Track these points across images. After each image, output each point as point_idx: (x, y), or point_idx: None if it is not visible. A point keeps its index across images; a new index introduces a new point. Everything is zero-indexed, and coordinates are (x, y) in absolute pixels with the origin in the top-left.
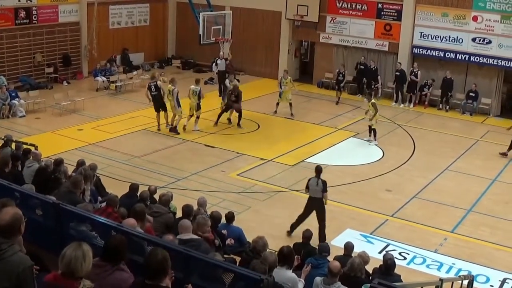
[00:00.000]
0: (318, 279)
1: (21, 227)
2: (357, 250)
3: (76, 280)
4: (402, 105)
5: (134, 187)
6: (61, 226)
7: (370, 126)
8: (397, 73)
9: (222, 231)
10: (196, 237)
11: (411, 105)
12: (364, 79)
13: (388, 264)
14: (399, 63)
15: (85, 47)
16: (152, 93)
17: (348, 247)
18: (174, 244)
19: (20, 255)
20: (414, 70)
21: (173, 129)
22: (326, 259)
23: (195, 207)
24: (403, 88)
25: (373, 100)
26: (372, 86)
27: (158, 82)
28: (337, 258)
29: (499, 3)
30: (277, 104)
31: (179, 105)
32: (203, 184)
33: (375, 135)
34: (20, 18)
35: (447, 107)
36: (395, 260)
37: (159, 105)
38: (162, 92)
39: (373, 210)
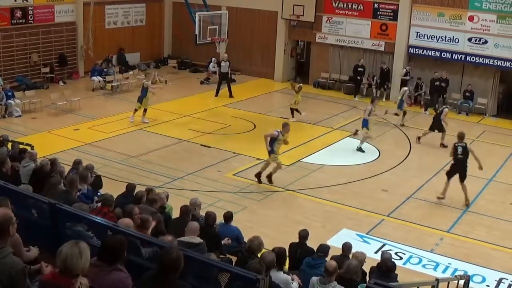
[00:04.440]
0: (314, 279)
1: (10, 228)
2: (353, 250)
3: (73, 277)
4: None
5: (130, 187)
6: (57, 226)
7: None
8: (437, 83)
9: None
10: (200, 240)
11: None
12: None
13: (389, 266)
14: (435, 72)
15: (81, 47)
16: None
17: (346, 247)
18: (168, 243)
19: (12, 257)
20: (407, 69)
21: (259, 176)
22: (323, 259)
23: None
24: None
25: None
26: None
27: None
28: (334, 258)
29: (495, 3)
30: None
31: (273, 150)
32: (199, 184)
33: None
34: (16, 18)
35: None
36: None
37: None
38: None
39: (369, 210)
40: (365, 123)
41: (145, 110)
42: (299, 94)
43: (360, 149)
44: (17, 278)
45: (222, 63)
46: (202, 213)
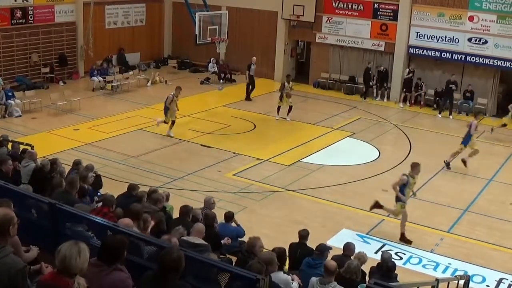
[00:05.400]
0: (313, 279)
1: (11, 228)
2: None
3: (70, 277)
4: (401, 104)
5: (131, 187)
6: (57, 226)
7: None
8: (452, 86)
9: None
10: (204, 242)
11: (404, 104)
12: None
13: (389, 266)
14: (453, 74)
15: (81, 47)
16: None
17: (349, 248)
18: (168, 243)
19: (12, 257)
20: (410, 69)
21: (404, 238)
22: (322, 258)
23: (194, 206)
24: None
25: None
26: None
27: None
28: (335, 258)
29: (495, 3)
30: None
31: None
32: (199, 184)
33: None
34: (16, 18)
35: (444, 107)
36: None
37: None
38: None
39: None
40: (468, 140)
41: (173, 123)
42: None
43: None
44: (17, 278)
45: (252, 66)
46: (215, 211)
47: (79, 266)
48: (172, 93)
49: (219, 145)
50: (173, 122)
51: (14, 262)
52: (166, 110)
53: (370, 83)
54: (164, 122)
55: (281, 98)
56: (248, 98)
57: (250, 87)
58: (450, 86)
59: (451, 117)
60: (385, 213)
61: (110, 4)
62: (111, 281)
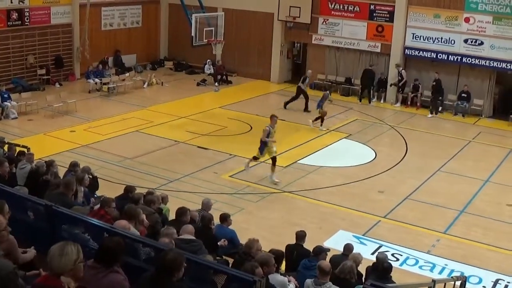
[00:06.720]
0: (308, 281)
1: (1, 233)
2: None
3: (58, 277)
4: (397, 104)
5: (128, 189)
6: (53, 229)
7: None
8: (434, 83)
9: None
10: (196, 239)
11: (398, 104)
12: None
13: (385, 267)
14: (436, 73)
15: (77, 49)
16: None
17: (348, 248)
18: (166, 245)
19: (2, 260)
20: (399, 70)
21: None
22: (317, 260)
23: (191, 208)
24: (442, 98)
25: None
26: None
27: None
28: (334, 257)
29: (491, 4)
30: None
31: None
32: (195, 185)
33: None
34: (12, 19)
35: (440, 108)
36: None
37: None
38: None
39: (365, 211)
40: None
41: (274, 161)
42: None
43: None
44: (8, 280)
45: (307, 79)
46: (211, 213)
47: (61, 267)
48: (268, 125)
49: (215, 146)
50: (274, 160)
51: (4, 264)
52: (264, 145)
53: (372, 86)
54: (254, 158)
55: (322, 106)
56: (306, 108)
57: (308, 98)
58: (433, 83)
59: (437, 116)
60: (382, 214)
61: (106, 6)
62: (108, 283)
